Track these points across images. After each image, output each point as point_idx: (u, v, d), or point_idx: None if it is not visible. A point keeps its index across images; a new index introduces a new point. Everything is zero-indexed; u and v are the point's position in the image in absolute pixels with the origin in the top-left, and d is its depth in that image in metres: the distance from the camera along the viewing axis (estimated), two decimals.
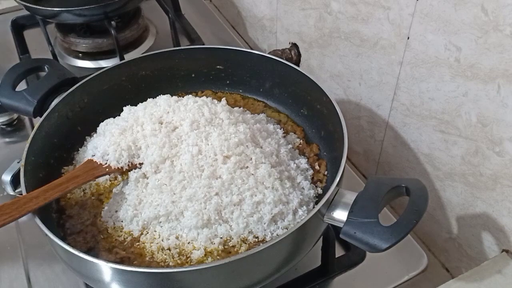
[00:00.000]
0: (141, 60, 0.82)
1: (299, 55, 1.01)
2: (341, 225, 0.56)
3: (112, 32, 0.98)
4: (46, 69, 0.80)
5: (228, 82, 0.84)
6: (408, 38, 0.72)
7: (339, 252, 0.72)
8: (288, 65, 0.77)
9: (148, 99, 0.76)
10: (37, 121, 0.71)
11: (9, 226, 0.75)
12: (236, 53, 0.81)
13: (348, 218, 0.56)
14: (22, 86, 0.79)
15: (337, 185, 0.59)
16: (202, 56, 0.83)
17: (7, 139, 0.91)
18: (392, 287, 0.69)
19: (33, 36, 1.13)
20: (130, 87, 0.81)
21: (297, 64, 1.02)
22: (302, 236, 0.57)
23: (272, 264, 0.57)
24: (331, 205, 0.58)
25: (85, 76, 0.77)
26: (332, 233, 0.66)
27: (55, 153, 0.72)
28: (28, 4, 0.98)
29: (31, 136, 0.67)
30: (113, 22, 0.99)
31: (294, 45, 1.01)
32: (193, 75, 0.84)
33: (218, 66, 0.83)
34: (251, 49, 1.20)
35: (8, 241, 0.74)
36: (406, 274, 0.70)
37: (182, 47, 0.87)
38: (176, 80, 0.84)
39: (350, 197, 0.58)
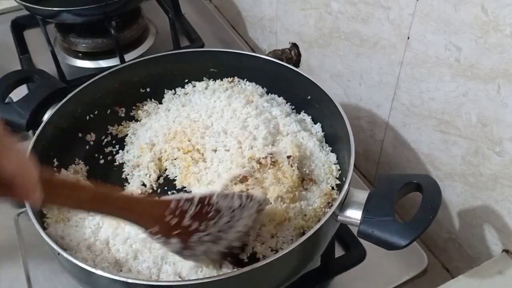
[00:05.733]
0: (134, 66, 0.80)
1: (299, 55, 1.00)
2: (356, 224, 0.56)
3: (112, 32, 0.98)
4: (35, 80, 0.77)
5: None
6: (408, 38, 0.72)
7: (339, 252, 0.72)
8: (287, 66, 0.77)
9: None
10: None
11: (9, 226, 0.76)
12: (235, 55, 0.81)
13: (364, 217, 0.56)
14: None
15: (348, 184, 0.59)
16: (196, 60, 0.82)
17: None
18: (392, 287, 0.69)
19: (33, 36, 1.13)
20: (124, 94, 0.80)
21: (297, 64, 1.02)
22: (318, 238, 0.58)
23: (289, 268, 0.57)
24: (343, 205, 0.58)
25: (78, 85, 0.75)
26: None
27: (53, 165, 0.71)
28: (28, 4, 0.98)
29: (30, 148, 0.65)
30: (113, 22, 0.99)
31: (294, 45, 1.01)
32: (186, 80, 0.83)
33: (211, 69, 0.82)
34: (251, 49, 1.20)
35: (8, 241, 0.74)
36: (406, 274, 0.70)
37: (174, 51, 0.84)
38: (170, 85, 0.83)
39: (362, 196, 0.58)
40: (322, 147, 0.72)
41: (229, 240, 0.56)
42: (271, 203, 0.62)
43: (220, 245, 0.56)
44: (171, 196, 0.55)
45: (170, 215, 0.52)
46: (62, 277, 0.69)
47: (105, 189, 0.54)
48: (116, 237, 0.61)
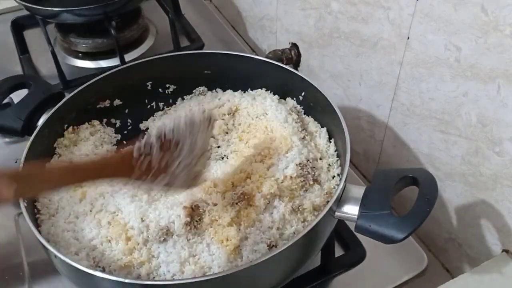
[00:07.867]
0: (125, 71, 0.79)
1: (299, 55, 1.01)
2: (354, 219, 0.57)
3: (112, 32, 0.98)
4: (30, 85, 0.77)
5: (225, 86, 0.83)
6: (408, 38, 0.72)
7: (339, 252, 0.72)
8: (284, 67, 0.76)
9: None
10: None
11: (9, 226, 0.76)
12: (234, 57, 0.80)
13: (361, 212, 0.56)
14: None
15: (345, 181, 0.59)
16: (191, 62, 0.81)
17: (7, 139, 0.91)
18: (392, 287, 0.69)
19: (33, 36, 1.13)
20: (117, 98, 0.80)
21: (297, 64, 1.02)
22: (315, 235, 0.58)
23: (288, 265, 0.57)
24: (340, 201, 0.58)
25: (78, 86, 0.75)
26: (332, 233, 0.66)
27: None
28: (28, 4, 0.98)
29: (23, 157, 0.64)
30: (113, 22, 0.99)
31: (294, 45, 1.01)
32: (181, 84, 0.82)
33: (206, 71, 0.82)
34: (251, 49, 1.20)
35: (8, 241, 0.74)
36: (406, 274, 0.70)
37: (168, 54, 0.82)
38: (164, 88, 0.82)
39: (359, 191, 0.58)
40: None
41: (197, 160, 0.60)
42: (216, 119, 0.65)
43: (195, 166, 0.60)
44: (129, 147, 0.57)
45: (138, 160, 0.56)
46: (62, 277, 0.69)
47: (73, 163, 0.59)
48: None
